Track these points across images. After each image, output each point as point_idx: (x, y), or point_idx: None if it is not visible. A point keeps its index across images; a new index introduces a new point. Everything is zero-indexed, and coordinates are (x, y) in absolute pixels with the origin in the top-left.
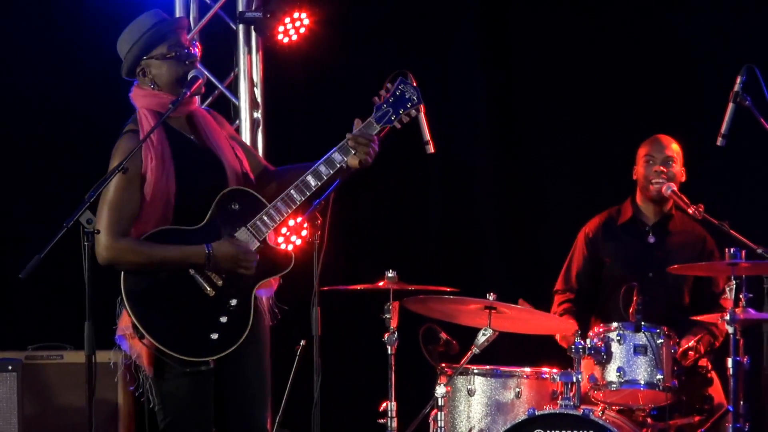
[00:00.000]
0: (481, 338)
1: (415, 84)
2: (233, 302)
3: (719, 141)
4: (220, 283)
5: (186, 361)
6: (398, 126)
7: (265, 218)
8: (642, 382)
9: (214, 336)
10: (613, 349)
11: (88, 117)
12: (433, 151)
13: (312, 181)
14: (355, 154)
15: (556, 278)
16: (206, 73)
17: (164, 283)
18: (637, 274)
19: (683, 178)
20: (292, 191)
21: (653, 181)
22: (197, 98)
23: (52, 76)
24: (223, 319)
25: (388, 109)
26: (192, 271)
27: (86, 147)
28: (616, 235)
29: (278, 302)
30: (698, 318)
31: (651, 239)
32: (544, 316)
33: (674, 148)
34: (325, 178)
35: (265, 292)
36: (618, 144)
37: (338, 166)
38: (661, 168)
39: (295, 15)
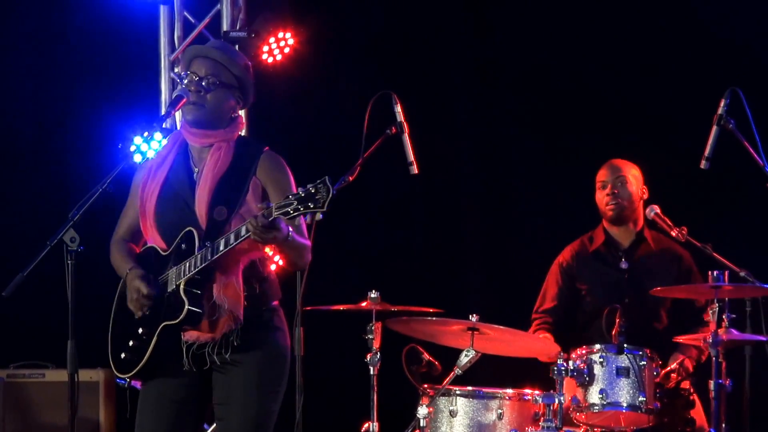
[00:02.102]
0: (464, 359)
1: (332, 190)
2: (140, 330)
3: (703, 164)
4: (140, 312)
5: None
6: (297, 222)
7: (187, 265)
8: (624, 404)
9: (123, 355)
10: (595, 371)
11: (73, 136)
12: (416, 172)
13: (221, 245)
14: None
15: (535, 300)
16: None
17: (125, 295)
18: (613, 300)
19: (645, 196)
20: (205, 250)
21: (608, 202)
22: (232, 134)
23: (42, 89)
24: (131, 343)
25: (292, 201)
26: None
27: (71, 166)
28: (590, 262)
29: None
30: (681, 339)
31: (624, 265)
32: (527, 337)
33: (627, 169)
34: (233, 245)
35: (189, 336)
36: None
37: (242, 238)
38: (614, 190)
39: (280, 35)
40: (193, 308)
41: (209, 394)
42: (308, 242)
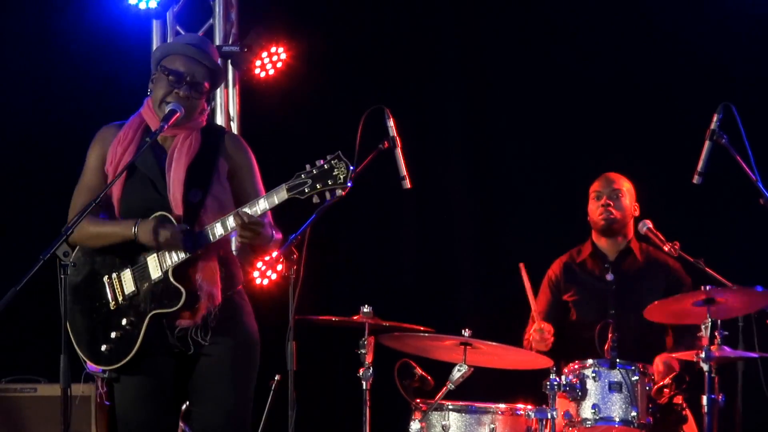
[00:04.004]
0: (456, 374)
1: (350, 164)
2: (124, 321)
3: (696, 179)
4: (120, 299)
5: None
6: (316, 200)
7: (174, 253)
8: (617, 419)
9: (104, 347)
10: (588, 386)
11: (63, 149)
12: (409, 186)
13: (209, 236)
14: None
15: (527, 315)
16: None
17: (88, 282)
18: (599, 313)
19: (636, 212)
20: (203, 236)
21: (601, 213)
22: (199, 122)
23: (32, 104)
24: (113, 335)
25: (307, 180)
26: (106, 279)
27: (63, 180)
28: (576, 274)
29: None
30: (674, 355)
31: (609, 277)
32: (519, 352)
33: (622, 183)
34: (219, 237)
35: (182, 322)
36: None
37: (231, 230)
38: (608, 201)
39: (273, 49)
40: (191, 294)
41: (185, 380)
42: (279, 234)
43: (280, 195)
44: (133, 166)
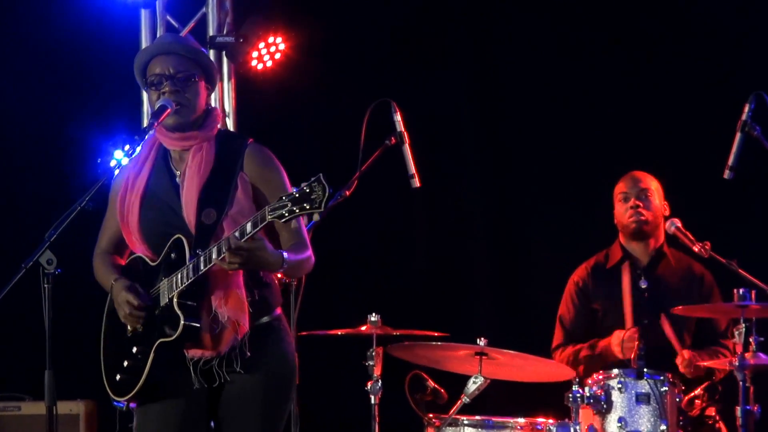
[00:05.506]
0: (472, 386)
1: (328, 188)
2: (135, 349)
3: (726, 173)
4: (138, 326)
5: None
6: (294, 225)
7: (179, 276)
8: None
9: (118, 377)
10: (613, 398)
11: (49, 150)
12: (418, 185)
13: (214, 254)
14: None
15: (548, 321)
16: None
17: (115, 311)
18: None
19: (666, 212)
20: (200, 261)
21: (631, 215)
22: (209, 133)
23: (14, 96)
24: (125, 363)
25: (286, 203)
26: None
27: (47, 182)
28: (606, 281)
29: None
30: (705, 364)
31: (643, 284)
32: (539, 362)
33: (649, 182)
34: (216, 260)
35: (194, 353)
36: (615, 183)
37: (223, 254)
38: (637, 202)
39: (270, 40)
40: (190, 323)
41: (215, 409)
42: (308, 252)
43: (262, 217)
44: (148, 191)
